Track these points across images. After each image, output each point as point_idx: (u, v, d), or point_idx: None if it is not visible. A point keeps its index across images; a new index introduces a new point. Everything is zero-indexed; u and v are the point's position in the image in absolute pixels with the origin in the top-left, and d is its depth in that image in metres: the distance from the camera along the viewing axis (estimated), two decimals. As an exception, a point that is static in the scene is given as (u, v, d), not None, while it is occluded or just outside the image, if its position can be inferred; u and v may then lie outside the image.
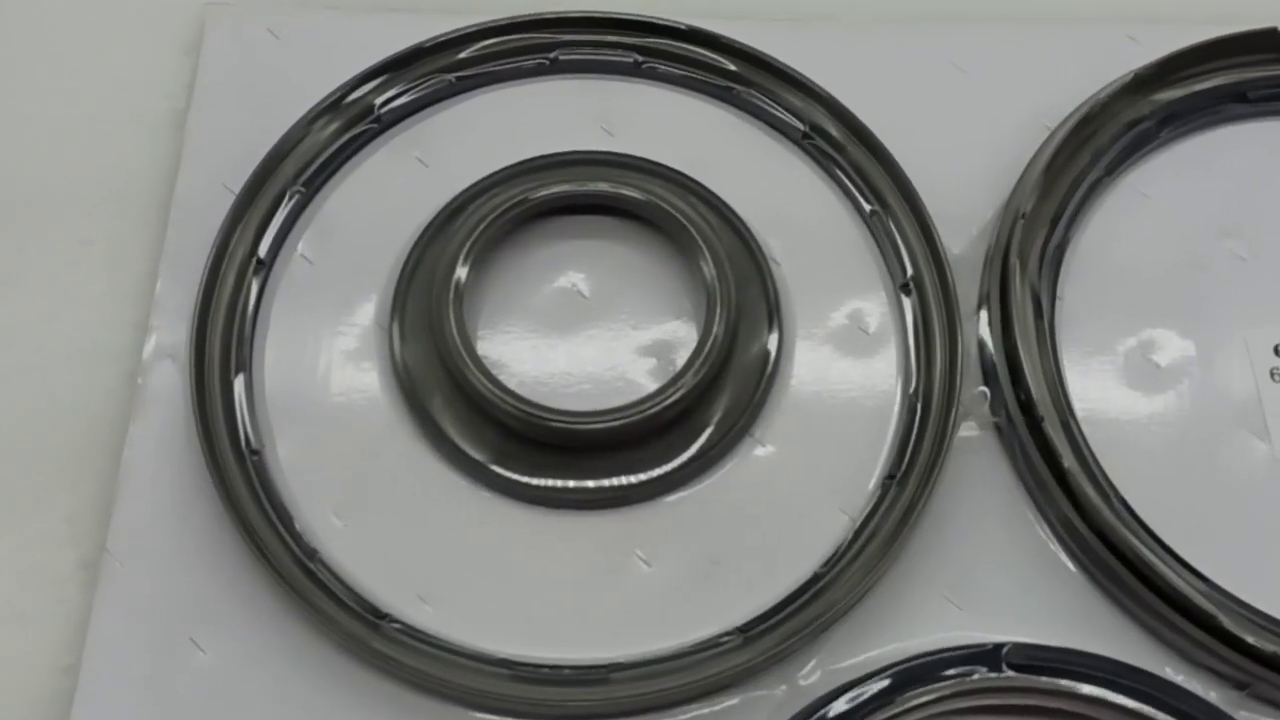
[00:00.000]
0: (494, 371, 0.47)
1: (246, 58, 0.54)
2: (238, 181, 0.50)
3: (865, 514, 0.46)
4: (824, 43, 0.54)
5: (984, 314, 0.49)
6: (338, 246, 0.51)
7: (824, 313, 0.50)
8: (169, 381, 0.48)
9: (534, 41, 0.54)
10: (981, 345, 0.49)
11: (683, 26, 0.54)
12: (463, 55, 0.53)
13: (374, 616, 0.44)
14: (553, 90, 0.54)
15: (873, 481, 0.47)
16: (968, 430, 0.48)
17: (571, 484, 0.46)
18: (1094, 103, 0.52)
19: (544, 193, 0.50)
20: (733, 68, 0.53)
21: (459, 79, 0.53)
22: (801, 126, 0.52)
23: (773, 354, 0.49)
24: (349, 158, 0.52)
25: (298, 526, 0.46)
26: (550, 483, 0.46)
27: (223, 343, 0.48)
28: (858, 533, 0.46)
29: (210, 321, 0.48)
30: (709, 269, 0.48)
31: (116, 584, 0.45)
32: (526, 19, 0.54)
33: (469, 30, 0.53)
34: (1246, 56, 0.53)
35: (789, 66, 0.53)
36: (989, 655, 0.41)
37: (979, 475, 0.47)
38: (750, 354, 0.49)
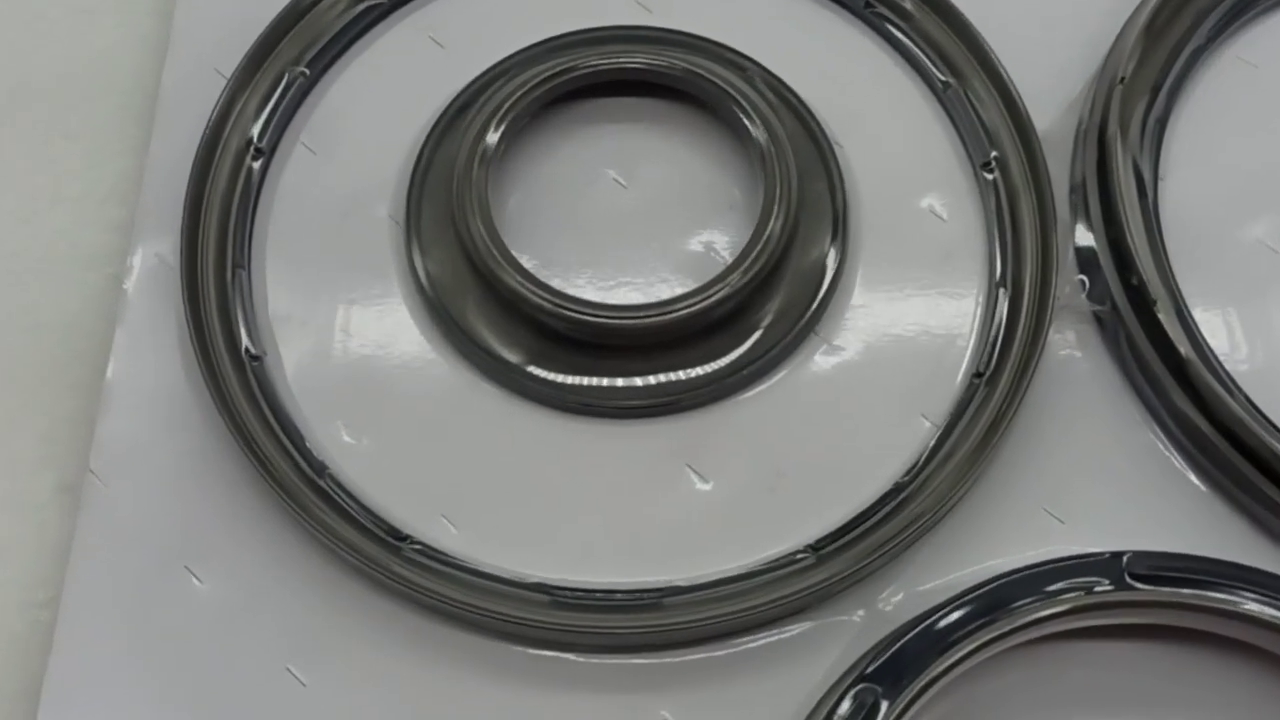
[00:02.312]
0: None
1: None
2: (231, 66, 0.45)
3: (950, 417, 0.41)
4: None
5: (1082, 193, 0.43)
6: (345, 135, 0.45)
7: (895, 198, 0.44)
8: (158, 284, 0.43)
9: (560, -90, 0.48)
10: (1077, 229, 0.43)
11: (725, -114, 0.48)
12: (481, -76, 0.48)
13: (393, 538, 0.39)
14: (581, -37, 0.48)
15: (957, 380, 0.41)
16: (1064, 324, 0.42)
17: (617, 383, 0.41)
18: (1197, -43, 0.46)
19: (582, 64, 0.44)
20: (784, -70, 0.48)
21: (476, -50, 0.48)
22: (864, -6, 0.47)
23: (838, 244, 0.43)
24: (356, 37, 0.46)
25: (306, 443, 0.40)
26: (591, 381, 0.40)
27: (218, 237, 0.43)
28: (942, 438, 0.40)
29: (204, 214, 0.43)
30: (763, 139, 0.42)
31: (100, 508, 0.40)
32: (552, -116, 0.48)
33: (488, -104, 0.48)
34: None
35: (847, -75, 0.47)
36: (1107, 566, 0.35)
37: (1079, 371, 0.41)
38: (813, 243, 0.43)
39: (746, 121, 0.43)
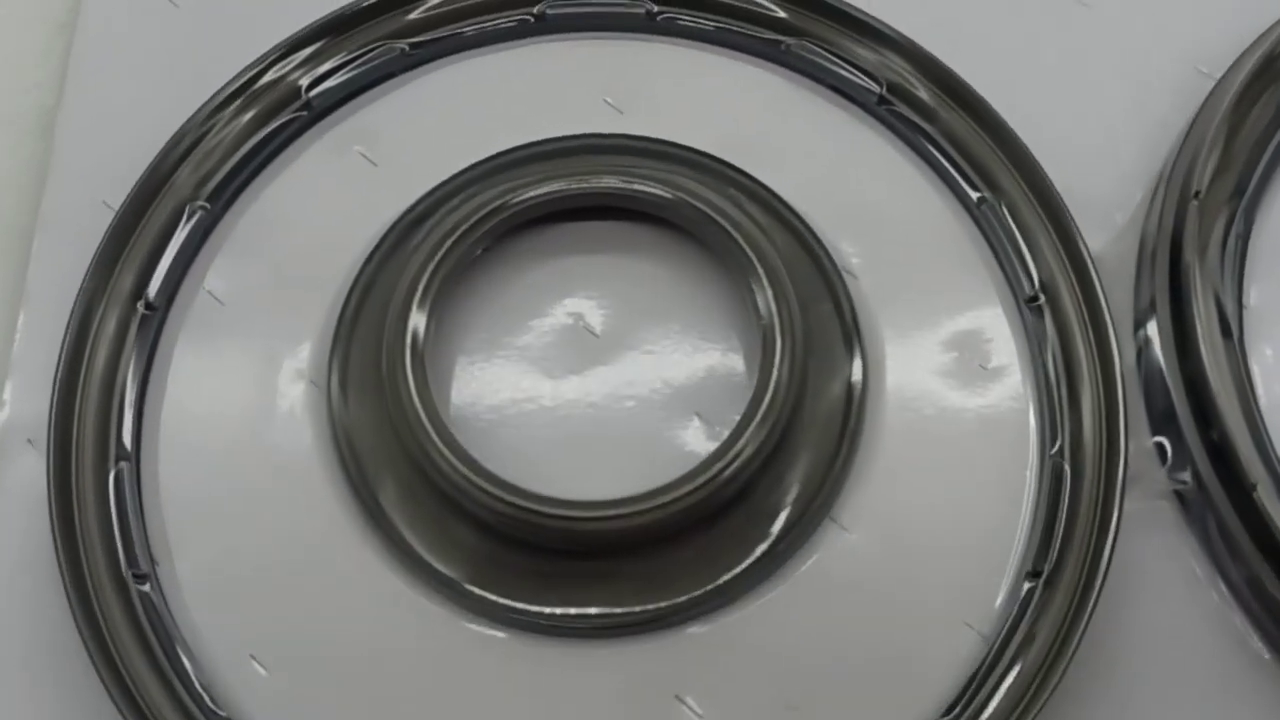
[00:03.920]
0: (469, 447, 0.34)
1: (135, 31, 0.41)
2: (120, 197, 0.37)
3: (1003, 630, 0.33)
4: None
5: (1151, 331, 0.36)
6: (257, 280, 0.37)
7: (922, 343, 0.36)
8: (26, 477, 0.35)
9: (513, -9, 0.41)
10: (1149, 378, 0.35)
11: (710, -38, 0.40)
12: (416, 15, 0.40)
13: (310, 814, 0.31)
14: (540, 56, 0.40)
15: (1007, 582, 0.34)
16: (1136, 500, 0.34)
17: (591, 610, 0.33)
18: (1277, 36, 0.38)
19: (529, 195, 0.36)
20: (781, 14, 0.40)
21: (413, 47, 0.40)
22: (877, 88, 0.39)
23: (854, 404, 0.35)
24: (270, 159, 0.39)
25: (200, 681, 0.32)
26: (553, 610, 0.33)
27: (98, 420, 0.35)
28: (995, 657, 0.32)
29: (81, 391, 0.35)
30: (764, 294, 0.35)
31: (-51, 774, 0.32)
32: (501, -38, 0.41)
33: (425, -20, 0.40)
34: None
35: (856, 8, 0.40)
36: None
37: (1160, 567, 0.34)
38: (824, 406, 0.35)
39: (744, 270, 0.35)
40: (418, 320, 0.34)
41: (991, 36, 0.41)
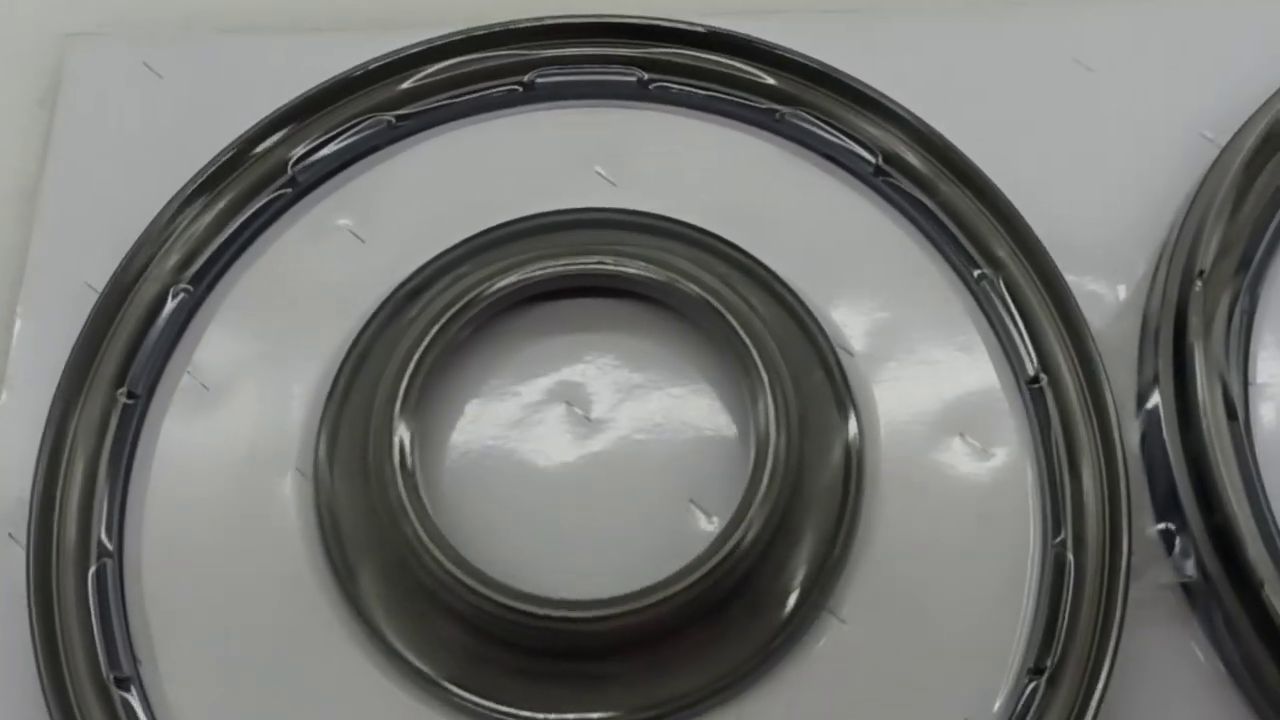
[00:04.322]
0: (454, 539, 0.33)
1: (118, 104, 0.41)
2: (104, 276, 0.37)
3: (1004, 729, 0.32)
4: (898, 41, 0.41)
5: (1155, 412, 0.35)
6: (244, 362, 0.37)
7: (920, 424, 0.36)
8: (6, 572, 0.34)
9: (502, 60, 0.40)
10: (1152, 460, 0.34)
11: (701, 29, 0.39)
12: (406, 86, 0.39)
13: None
14: (530, 126, 0.40)
15: (1010, 678, 0.33)
16: (1140, 591, 0.33)
17: (593, 716, 0.32)
18: (1284, 103, 0.37)
19: (515, 279, 0.35)
20: (773, 82, 0.39)
21: (400, 119, 0.39)
22: (873, 159, 0.38)
23: (850, 492, 0.34)
24: (255, 236, 0.38)
25: (184, 792, 0.32)
26: (545, 715, 0.32)
27: (79, 517, 0.34)
28: (996, 760, 0.32)
29: (61, 487, 0.34)
30: (763, 391, 0.34)
31: None
32: (490, 30, 0.40)
33: (412, 51, 0.40)
34: None
35: (852, 77, 0.39)
36: None
37: (1166, 659, 0.33)
38: (820, 493, 0.34)
39: (740, 356, 0.34)
40: (403, 432, 0.33)
41: (991, 100, 0.40)
